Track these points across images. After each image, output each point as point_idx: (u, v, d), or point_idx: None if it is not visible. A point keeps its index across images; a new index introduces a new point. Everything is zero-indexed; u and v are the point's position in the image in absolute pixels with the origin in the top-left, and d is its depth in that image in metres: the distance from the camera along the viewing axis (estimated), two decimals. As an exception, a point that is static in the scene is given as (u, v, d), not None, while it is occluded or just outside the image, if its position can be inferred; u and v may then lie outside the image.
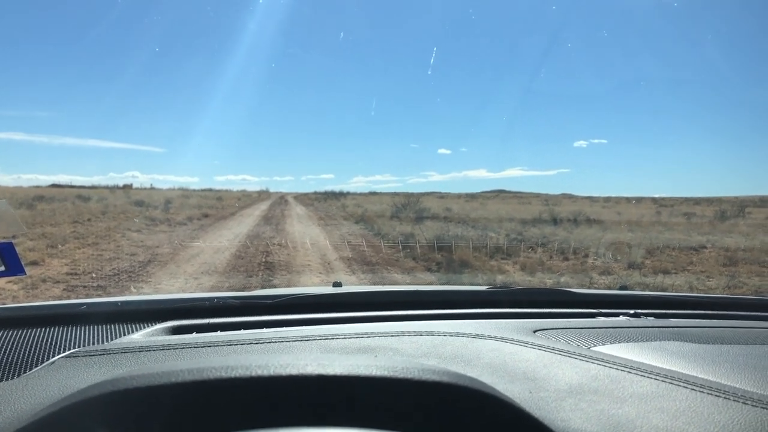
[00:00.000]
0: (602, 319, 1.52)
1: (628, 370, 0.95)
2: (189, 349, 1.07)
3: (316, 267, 9.00)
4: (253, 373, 0.62)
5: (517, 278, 8.96)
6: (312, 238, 13.60)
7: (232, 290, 6.96)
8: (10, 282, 7.00)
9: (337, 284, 1.86)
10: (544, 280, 8.71)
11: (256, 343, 1.10)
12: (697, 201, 44.36)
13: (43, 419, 0.60)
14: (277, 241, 12.25)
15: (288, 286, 7.43)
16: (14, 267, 1.06)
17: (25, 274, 1.08)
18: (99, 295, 6.63)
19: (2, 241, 1.04)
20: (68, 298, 6.44)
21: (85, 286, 7.08)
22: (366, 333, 1.18)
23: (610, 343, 1.19)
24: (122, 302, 1.44)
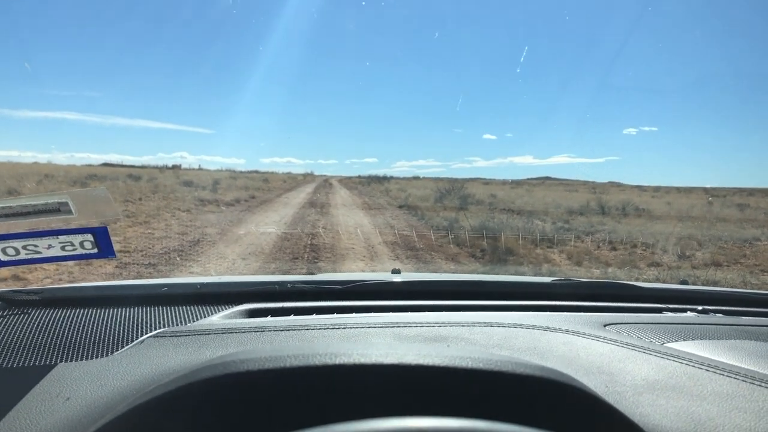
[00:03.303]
0: (669, 314, 1.51)
1: (705, 368, 0.95)
2: (268, 333, 1.11)
3: (360, 251, 9.06)
4: (356, 361, 0.64)
5: (564, 268, 8.83)
6: (356, 221, 13.68)
7: (279, 272, 7.09)
8: (66, 257, 7.26)
9: (395, 271, 1.88)
10: (591, 270, 8.57)
11: (332, 329, 1.14)
12: (751, 192, 42.66)
13: (157, 398, 0.64)
14: (322, 224, 12.38)
15: (333, 270, 7.50)
16: (106, 250, 1.12)
17: (115, 256, 1.14)
18: (150, 273, 6.81)
19: (98, 225, 1.09)
20: (120, 275, 6.64)
21: (136, 264, 7.28)
22: (437, 322, 1.20)
23: (683, 340, 1.19)
24: (200, 284, 1.50)
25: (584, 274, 8.16)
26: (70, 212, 1.05)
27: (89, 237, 1.10)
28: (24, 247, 1.09)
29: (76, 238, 1.10)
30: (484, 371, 0.64)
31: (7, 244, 1.08)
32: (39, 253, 1.10)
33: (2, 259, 1.09)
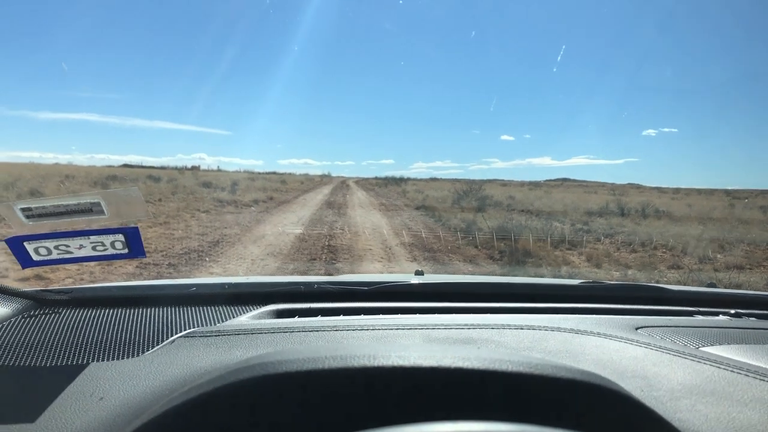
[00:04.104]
0: (701, 318, 1.49)
1: (744, 373, 0.94)
2: (297, 333, 1.11)
3: (378, 252, 9.05)
4: (394, 363, 0.64)
5: (583, 270, 8.75)
6: (373, 223, 13.69)
7: (297, 273, 7.11)
8: (87, 258, 7.35)
9: (419, 272, 1.87)
10: (611, 273, 8.48)
11: (360, 330, 1.13)
12: (775, 194, 41.97)
13: (194, 399, 0.64)
14: (339, 226, 12.40)
15: (351, 271, 7.50)
16: (136, 250, 1.13)
17: (145, 256, 1.15)
18: (170, 274, 6.87)
19: (129, 226, 1.10)
20: (141, 275, 6.70)
21: (156, 264, 7.34)
22: (466, 324, 1.19)
23: (718, 344, 1.17)
24: (228, 284, 1.51)
25: (604, 277, 8.07)
26: (102, 213, 1.06)
27: (120, 237, 1.11)
28: (56, 247, 1.10)
29: (108, 239, 1.11)
30: (524, 374, 0.64)
31: (39, 244, 1.09)
32: (70, 253, 1.11)
33: (35, 259, 1.10)
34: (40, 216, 1.04)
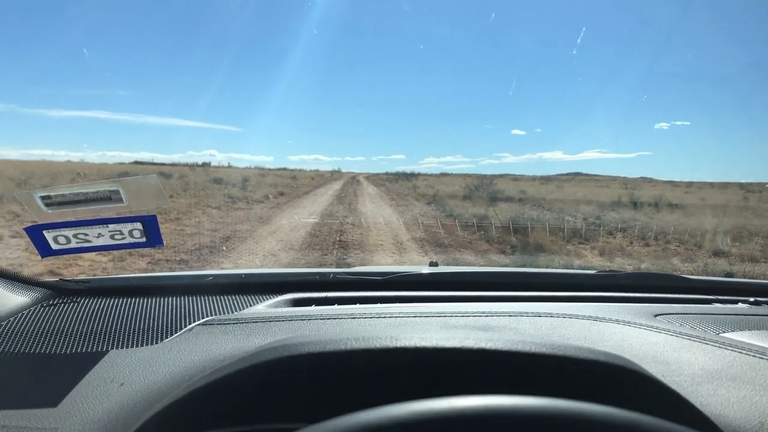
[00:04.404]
0: (720, 305, 1.47)
1: (767, 357, 0.93)
2: (315, 321, 1.11)
3: (389, 247, 9.05)
4: (417, 344, 0.63)
5: (596, 264, 8.69)
6: (384, 218, 13.69)
7: (308, 266, 7.13)
8: (100, 254, 7.42)
9: (433, 264, 1.86)
10: (624, 267, 8.43)
11: (377, 317, 1.13)
12: (790, 187, 41.46)
13: (217, 381, 0.64)
14: (350, 221, 12.40)
15: (362, 265, 7.51)
16: (154, 239, 1.13)
17: (163, 245, 1.15)
18: (182, 269, 6.90)
19: (147, 214, 1.10)
20: (152, 271, 6.74)
21: (168, 260, 7.38)
22: (483, 312, 1.18)
23: (739, 330, 1.16)
24: (245, 275, 1.51)
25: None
26: (120, 201, 1.06)
27: (138, 226, 1.11)
28: (74, 236, 1.10)
29: (126, 227, 1.11)
30: (547, 356, 0.63)
31: (58, 233, 1.09)
32: (89, 242, 1.12)
33: (54, 248, 1.11)
34: (60, 204, 1.05)
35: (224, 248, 8.35)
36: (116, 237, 1.12)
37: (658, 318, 1.22)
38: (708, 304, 1.50)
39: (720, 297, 1.56)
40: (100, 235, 1.11)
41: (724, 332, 1.15)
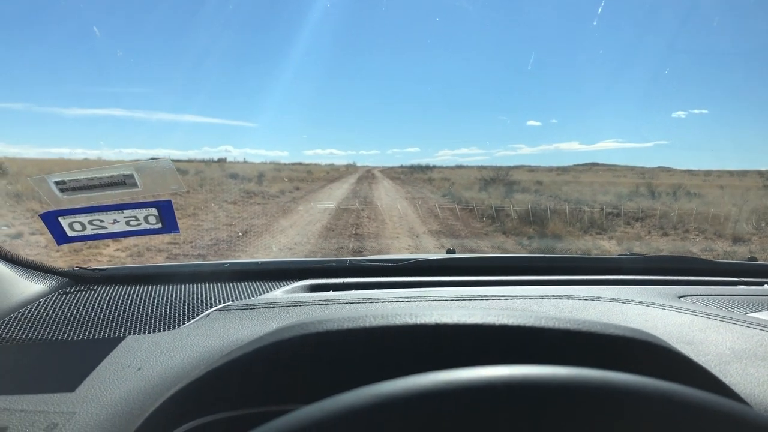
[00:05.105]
0: (745, 287, 1.44)
1: None
2: (332, 306, 1.10)
3: (405, 240, 9.03)
4: (437, 321, 0.62)
5: (614, 254, 8.62)
6: (400, 211, 13.67)
7: (325, 257, 7.13)
8: (118, 249, 7.50)
9: (450, 251, 1.85)
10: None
11: (395, 302, 1.12)
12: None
13: (234, 360, 0.63)
14: (366, 214, 12.40)
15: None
16: (170, 225, 1.12)
17: (179, 232, 1.14)
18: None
19: (162, 199, 1.09)
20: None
21: (185, 255, 7.43)
22: (503, 295, 1.16)
23: (766, 310, 1.13)
24: (262, 262, 1.50)
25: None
26: (135, 185, 1.05)
27: (153, 211, 1.10)
28: (90, 222, 1.10)
29: (141, 213, 1.10)
30: (572, 331, 0.61)
31: (73, 219, 1.09)
32: (104, 228, 1.11)
33: (69, 235, 1.10)
34: (74, 189, 1.04)
35: (241, 243, 8.39)
36: (132, 223, 1.11)
37: (682, 299, 1.20)
38: (733, 285, 1.47)
39: (745, 279, 1.53)
40: (115, 222, 1.11)
41: (752, 312, 1.12)
